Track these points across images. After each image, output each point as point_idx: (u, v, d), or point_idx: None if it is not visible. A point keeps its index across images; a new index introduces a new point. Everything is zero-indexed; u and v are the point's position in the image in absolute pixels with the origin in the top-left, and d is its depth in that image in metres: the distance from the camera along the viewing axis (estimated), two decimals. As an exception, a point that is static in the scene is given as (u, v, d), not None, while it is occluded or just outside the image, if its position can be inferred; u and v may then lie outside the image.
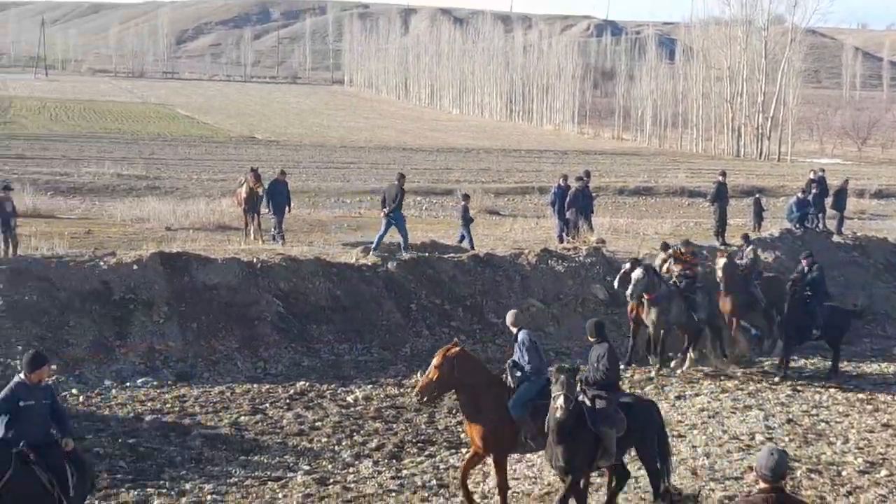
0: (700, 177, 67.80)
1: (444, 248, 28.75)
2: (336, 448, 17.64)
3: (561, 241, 30.48)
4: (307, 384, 21.14)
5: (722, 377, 22.98)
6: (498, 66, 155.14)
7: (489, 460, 15.06)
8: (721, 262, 24.60)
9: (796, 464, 16.96)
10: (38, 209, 37.84)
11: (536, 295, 25.47)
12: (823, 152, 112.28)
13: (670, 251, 24.94)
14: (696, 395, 21.61)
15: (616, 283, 24.45)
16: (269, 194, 30.97)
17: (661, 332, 23.29)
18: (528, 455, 16.41)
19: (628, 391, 15.64)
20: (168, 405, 19.49)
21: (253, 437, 18.09)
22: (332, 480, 16.18)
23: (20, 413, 11.47)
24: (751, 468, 15.79)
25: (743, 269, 25.36)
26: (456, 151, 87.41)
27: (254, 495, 15.48)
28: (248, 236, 31.42)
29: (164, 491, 15.46)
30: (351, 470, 16.71)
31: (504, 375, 14.68)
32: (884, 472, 16.97)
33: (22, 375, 11.75)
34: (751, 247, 26.46)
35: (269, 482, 16.01)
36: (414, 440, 18.17)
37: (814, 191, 33.78)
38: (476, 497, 15.21)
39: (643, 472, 14.92)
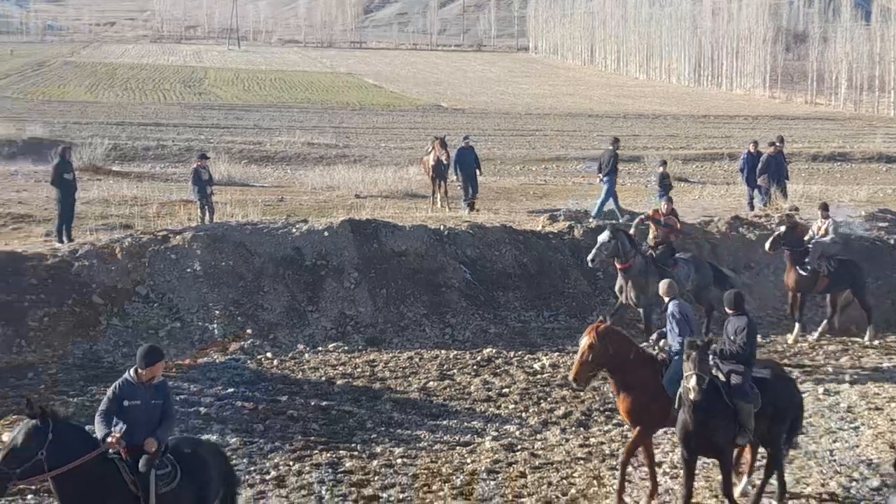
0: (898, 142, 65.41)
1: (633, 214, 28.38)
2: (523, 415, 17.66)
3: (752, 208, 29.76)
4: (494, 351, 21.21)
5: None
6: (685, 30, 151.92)
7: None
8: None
9: None
10: (233, 177, 38.90)
11: (726, 263, 24.89)
12: None
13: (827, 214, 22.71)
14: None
15: (767, 246, 22.52)
16: (456, 162, 31.16)
17: (644, 314, 20.88)
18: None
19: (769, 364, 14.68)
20: (359, 370, 19.84)
21: (441, 402, 18.26)
22: (519, 447, 16.22)
23: (123, 413, 10.79)
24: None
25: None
26: (643, 118, 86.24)
27: (443, 459, 15.64)
28: (434, 204, 31.71)
29: (355, 453, 15.77)
30: (538, 437, 16.71)
31: (652, 347, 14.38)
32: None
33: (132, 372, 10.98)
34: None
35: (458, 447, 16.16)
36: (601, 408, 18.04)
37: None
38: (665, 466, 15.03)
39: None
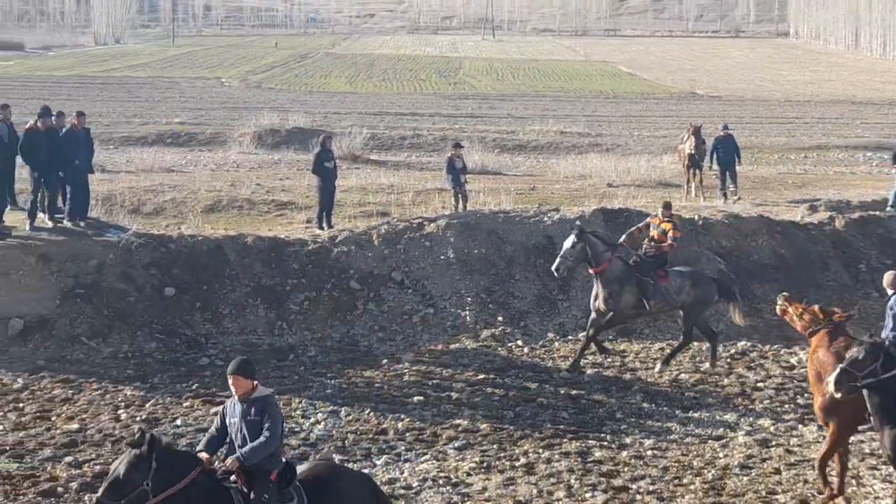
0: None
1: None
2: (778, 410, 17.21)
3: None
4: (749, 344, 20.74)
5: None
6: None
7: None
8: None
9: None
10: (486, 166, 39.25)
11: None
12: None
13: None
14: None
15: None
16: (714, 151, 30.58)
17: (607, 318, 19.08)
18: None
19: None
20: (609, 360, 19.74)
21: (693, 395, 17.99)
22: (774, 443, 15.83)
23: (226, 431, 10.10)
24: None
25: None
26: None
27: (694, 452, 15.42)
28: (689, 193, 31.24)
29: (605, 443, 15.73)
30: (794, 433, 16.25)
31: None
32: None
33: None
34: None
35: (710, 441, 15.90)
36: (862, 407, 17.35)
37: None
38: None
39: None
